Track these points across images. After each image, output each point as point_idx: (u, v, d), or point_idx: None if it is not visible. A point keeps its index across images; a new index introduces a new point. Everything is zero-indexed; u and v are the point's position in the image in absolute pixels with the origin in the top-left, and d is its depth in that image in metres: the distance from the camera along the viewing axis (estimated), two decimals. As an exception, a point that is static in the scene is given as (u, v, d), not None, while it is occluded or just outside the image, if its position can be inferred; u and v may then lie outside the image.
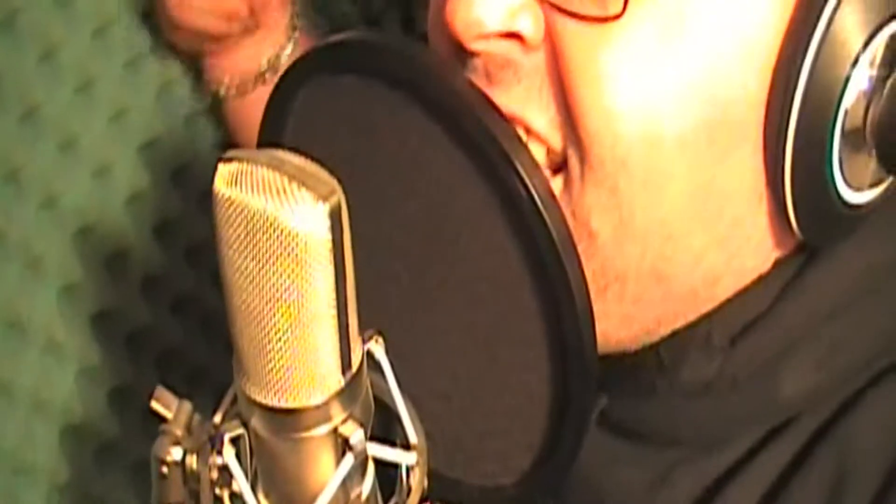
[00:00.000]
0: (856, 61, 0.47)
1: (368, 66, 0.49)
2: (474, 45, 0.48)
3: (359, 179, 0.46)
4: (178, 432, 0.44)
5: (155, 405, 0.45)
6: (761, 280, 0.53)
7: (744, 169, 0.49)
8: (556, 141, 0.50)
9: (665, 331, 0.54)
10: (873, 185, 0.51)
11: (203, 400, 0.45)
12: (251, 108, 0.71)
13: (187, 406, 0.45)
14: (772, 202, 0.50)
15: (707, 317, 0.53)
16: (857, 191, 0.50)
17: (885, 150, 0.48)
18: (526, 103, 0.49)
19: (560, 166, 0.50)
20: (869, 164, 0.50)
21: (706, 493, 0.55)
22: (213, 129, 0.82)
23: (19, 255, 0.72)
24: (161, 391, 0.46)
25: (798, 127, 0.47)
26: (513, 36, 0.49)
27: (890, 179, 0.51)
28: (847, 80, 0.47)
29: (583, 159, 0.49)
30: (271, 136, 0.53)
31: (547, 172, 0.49)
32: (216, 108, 0.80)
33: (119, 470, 0.78)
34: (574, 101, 0.48)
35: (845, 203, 0.50)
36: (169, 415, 0.45)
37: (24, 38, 0.71)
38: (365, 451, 0.39)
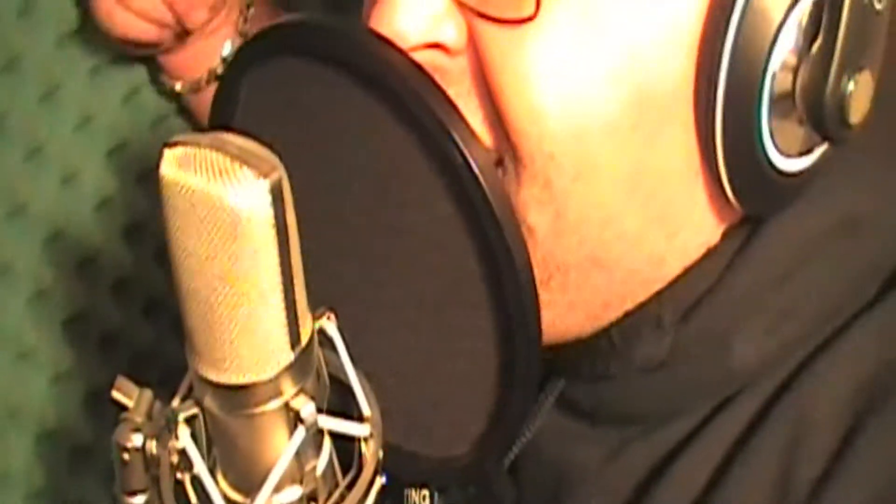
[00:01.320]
0: (780, 28, 0.47)
1: (306, 47, 0.50)
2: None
3: (305, 159, 0.47)
4: (139, 419, 0.44)
5: (116, 395, 0.46)
6: (709, 254, 0.54)
7: (675, 148, 0.50)
8: (489, 140, 0.51)
9: (614, 314, 0.54)
10: (806, 152, 0.51)
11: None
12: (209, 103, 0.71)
13: (148, 394, 0.46)
14: (708, 177, 0.51)
15: (657, 295, 0.54)
16: (790, 158, 0.51)
17: (815, 114, 0.48)
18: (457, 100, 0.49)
19: (497, 164, 0.51)
20: (800, 132, 0.50)
21: (659, 464, 0.55)
22: (180, 133, 0.83)
23: (-11, 263, 0.73)
24: (122, 381, 0.46)
25: (726, 98, 0.48)
26: (436, 45, 0.50)
27: (823, 146, 0.52)
28: (772, 47, 0.47)
29: (514, 157, 0.50)
30: (220, 122, 0.54)
31: None
32: (183, 111, 0.81)
33: (94, 473, 0.78)
34: (500, 102, 0.49)
35: (780, 171, 0.50)
36: (130, 403, 0.45)
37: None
38: (316, 423, 0.39)
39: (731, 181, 0.50)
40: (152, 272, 0.82)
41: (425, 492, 0.60)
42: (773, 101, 0.48)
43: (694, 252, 0.53)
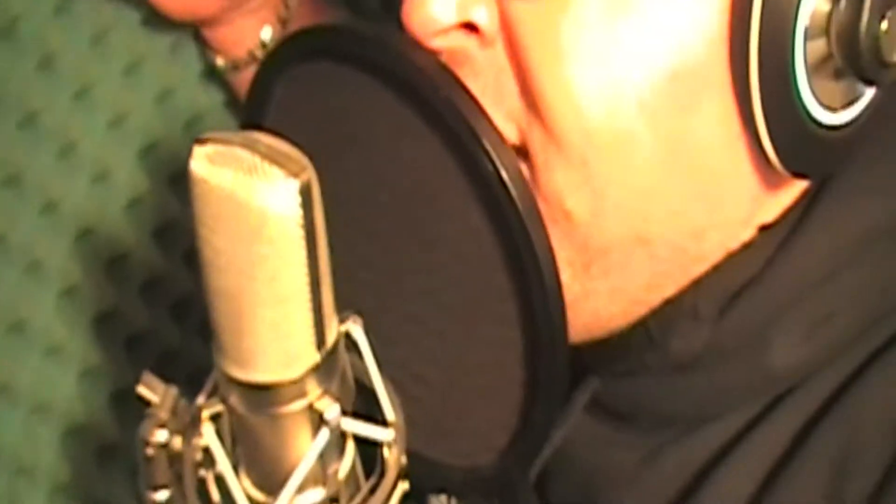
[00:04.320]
0: None
1: (341, 52, 0.50)
2: (434, 43, 0.50)
3: (337, 164, 0.48)
4: (164, 415, 0.44)
5: (141, 390, 0.46)
6: (748, 247, 0.53)
7: (713, 115, 0.50)
8: (513, 133, 0.51)
9: (655, 299, 0.54)
10: (849, 103, 0.51)
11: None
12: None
13: (174, 391, 0.46)
14: (748, 140, 0.50)
15: (695, 286, 0.53)
16: (831, 111, 0.50)
17: (851, 56, 0.48)
18: (482, 98, 0.49)
19: (524, 158, 0.51)
20: (840, 83, 0.50)
21: (698, 473, 0.55)
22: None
23: (20, 259, 0.73)
24: (148, 376, 0.46)
25: (760, 53, 0.47)
26: (469, 28, 0.50)
27: (868, 95, 0.51)
28: None
29: (548, 139, 0.50)
30: (253, 121, 0.54)
31: None
32: (213, 111, 0.81)
33: (121, 471, 0.79)
34: (535, 81, 0.49)
35: (822, 125, 0.50)
36: (156, 399, 0.46)
37: (24, 44, 0.72)
38: (339, 425, 0.39)
39: (772, 139, 0.49)
40: (181, 273, 0.82)
41: (444, 497, 0.60)
42: (808, 51, 0.48)
43: (735, 229, 0.53)
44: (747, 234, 0.54)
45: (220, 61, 0.78)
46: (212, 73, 0.81)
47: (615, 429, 0.58)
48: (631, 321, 0.55)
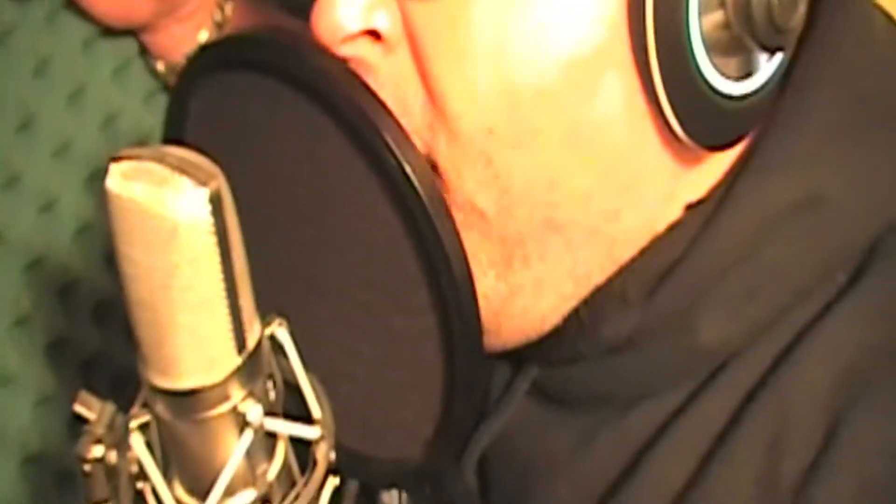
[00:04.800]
0: None
1: (248, 60, 0.52)
2: (342, 50, 0.51)
3: (252, 171, 0.49)
4: (100, 430, 0.45)
5: (78, 408, 0.47)
6: (673, 228, 0.54)
7: (614, 95, 0.51)
8: (426, 132, 0.52)
9: (582, 291, 0.55)
10: (752, 72, 0.52)
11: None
12: None
13: (110, 407, 0.47)
14: (654, 116, 0.51)
15: (622, 270, 0.54)
16: (733, 81, 0.51)
17: (748, 26, 0.49)
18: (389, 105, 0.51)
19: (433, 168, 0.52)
20: (739, 53, 0.51)
21: (633, 456, 0.56)
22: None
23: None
24: (84, 395, 0.47)
25: (656, 27, 0.48)
26: (374, 35, 0.51)
27: (772, 64, 0.52)
28: None
29: (453, 142, 0.51)
30: (171, 135, 0.55)
31: None
32: (159, 133, 0.82)
33: (80, 499, 0.79)
34: (435, 81, 0.50)
35: (724, 95, 0.51)
36: (92, 416, 0.46)
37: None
38: (263, 426, 0.40)
39: (675, 112, 0.50)
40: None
41: (395, 493, 0.61)
42: (705, 21, 0.49)
43: (654, 208, 0.54)
44: (672, 213, 0.54)
45: (160, 66, 0.79)
46: (156, 95, 0.82)
47: (554, 413, 0.59)
48: (564, 315, 0.55)
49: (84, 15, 0.76)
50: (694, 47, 0.49)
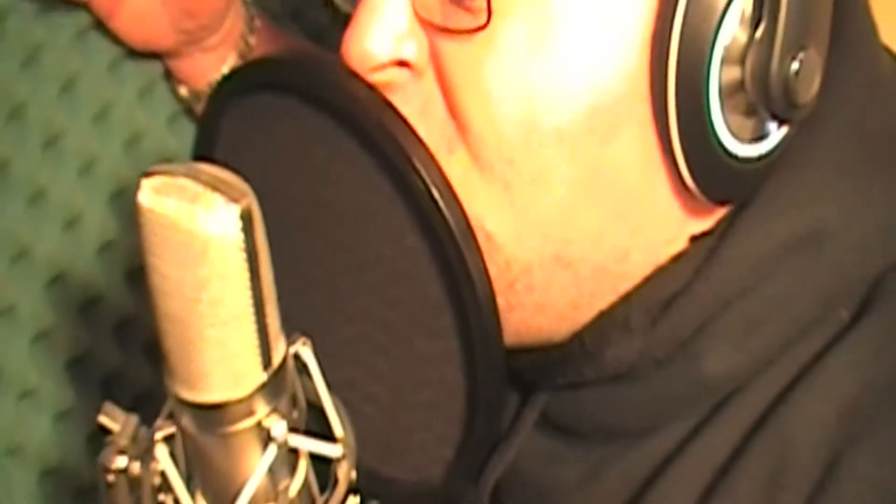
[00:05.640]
0: (723, 15, 0.50)
1: (280, 83, 0.52)
2: (372, 77, 0.52)
3: (280, 192, 0.50)
4: (123, 442, 0.46)
5: (103, 419, 0.47)
6: (678, 258, 0.55)
7: (632, 145, 0.52)
8: (449, 152, 0.52)
9: (585, 315, 0.56)
10: (761, 137, 0.53)
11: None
12: None
13: (134, 419, 0.47)
14: (668, 168, 0.53)
15: (626, 298, 0.55)
16: (746, 143, 0.53)
17: (763, 96, 0.51)
18: (411, 122, 0.52)
19: None
20: (753, 117, 0.52)
21: (638, 489, 0.56)
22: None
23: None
24: (109, 406, 0.48)
25: (678, 89, 0.50)
26: (402, 64, 0.52)
27: (779, 132, 0.54)
28: (716, 35, 0.50)
29: (472, 163, 0.52)
30: (202, 153, 0.56)
31: None
32: (182, 155, 0.83)
33: (98, 512, 0.79)
34: (459, 112, 0.52)
35: (736, 157, 0.52)
36: (116, 427, 0.47)
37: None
38: (287, 442, 0.41)
39: (689, 169, 0.52)
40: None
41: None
42: (724, 87, 0.51)
43: (660, 249, 0.55)
44: (676, 246, 0.56)
45: (183, 91, 0.80)
46: (180, 118, 0.83)
47: (562, 444, 0.60)
48: (564, 334, 0.56)
49: (111, 36, 0.77)
50: (711, 109, 0.51)
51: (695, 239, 0.55)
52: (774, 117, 0.52)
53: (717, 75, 0.50)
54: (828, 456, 0.52)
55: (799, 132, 0.55)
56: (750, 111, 0.52)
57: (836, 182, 0.55)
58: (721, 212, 0.56)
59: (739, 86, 0.51)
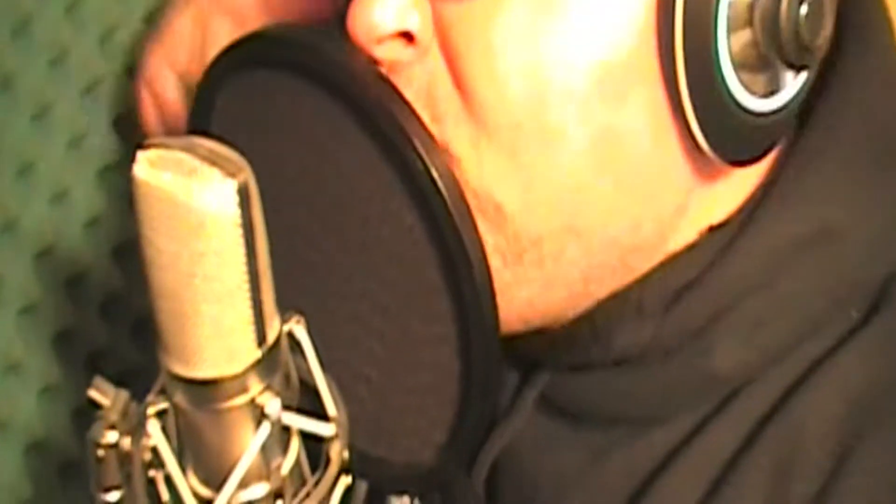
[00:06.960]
0: None
1: (275, 59, 0.52)
2: (377, 52, 0.51)
3: (275, 170, 0.49)
4: (114, 417, 0.45)
5: (93, 394, 0.47)
6: (692, 249, 0.55)
7: (642, 107, 0.51)
8: (438, 136, 0.52)
9: (595, 292, 0.55)
10: (777, 89, 0.52)
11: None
12: None
13: (124, 394, 0.47)
14: (679, 130, 0.52)
15: (640, 281, 0.55)
16: (759, 98, 0.51)
17: (773, 40, 0.50)
18: (413, 102, 0.51)
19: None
20: (765, 70, 0.51)
21: (643, 479, 0.56)
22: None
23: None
24: (99, 381, 0.47)
25: (685, 42, 0.49)
26: (406, 37, 0.51)
27: (798, 81, 0.53)
28: None
29: (479, 133, 0.51)
30: (197, 127, 0.56)
31: None
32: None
33: (83, 488, 0.78)
34: (466, 78, 0.51)
35: (750, 112, 0.51)
36: (107, 402, 0.47)
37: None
38: (280, 419, 0.40)
39: (701, 127, 0.50)
40: (140, 291, 0.83)
41: (406, 499, 0.61)
42: (733, 39, 0.49)
43: (667, 218, 0.54)
44: (686, 230, 0.55)
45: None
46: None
47: (563, 427, 0.59)
48: (573, 314, 0.56)
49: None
50: (721, 63, 0.49)
51: (711, 230, 0.55)
52: (787, 65, 0.51)
53: (726, 23, 0.49)
54: (838, 448, 0.52)
55: (813, 128, 0.55)
56: (762, 63, 0.51)
57: (848, 180, 0.55)
58: (735, 204, 0.55)
59: (749, 35, 0.50)
